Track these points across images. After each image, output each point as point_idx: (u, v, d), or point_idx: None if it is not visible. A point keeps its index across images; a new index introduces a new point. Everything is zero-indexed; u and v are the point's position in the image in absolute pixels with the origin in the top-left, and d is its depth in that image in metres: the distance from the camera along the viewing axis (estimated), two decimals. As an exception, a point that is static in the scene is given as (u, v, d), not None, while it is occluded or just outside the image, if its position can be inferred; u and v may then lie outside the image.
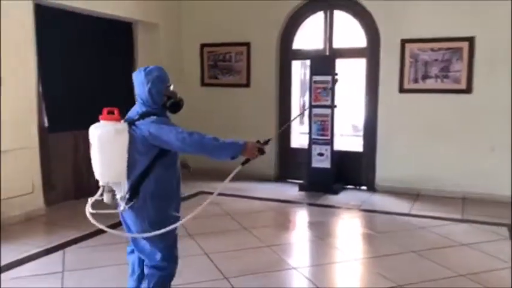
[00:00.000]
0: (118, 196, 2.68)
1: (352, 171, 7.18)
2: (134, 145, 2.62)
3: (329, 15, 7.23)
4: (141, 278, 2.91)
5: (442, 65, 6.49)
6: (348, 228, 5.53)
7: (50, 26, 5.82)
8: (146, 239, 2.72)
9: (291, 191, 6.93)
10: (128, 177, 2.65)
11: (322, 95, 6.74)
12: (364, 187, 7.15)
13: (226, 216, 5.60)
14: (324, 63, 6.90)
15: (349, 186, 7.14)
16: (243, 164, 2.80)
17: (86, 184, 5.80)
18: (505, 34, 6.10)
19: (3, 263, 4.07)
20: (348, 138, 10.37)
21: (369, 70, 7.08)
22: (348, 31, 7.41)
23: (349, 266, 4.27)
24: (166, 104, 2.75)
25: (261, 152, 2.73)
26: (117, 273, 3.78)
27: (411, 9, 6.57)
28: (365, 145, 7.24)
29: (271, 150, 7.44)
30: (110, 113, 2.64)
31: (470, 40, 6.30)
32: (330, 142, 6.79)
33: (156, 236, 2.67)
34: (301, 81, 8.46)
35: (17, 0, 5.16)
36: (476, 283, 3.73)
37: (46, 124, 5.80)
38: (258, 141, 2.76)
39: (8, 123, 5.07)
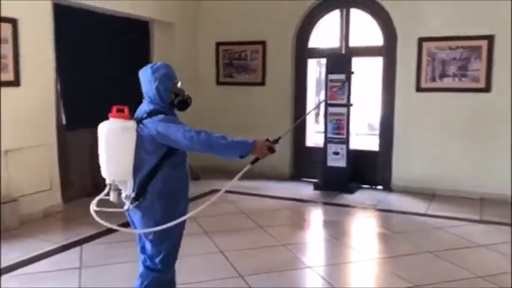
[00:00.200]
0: (123, 195, 2.65)
1: (367, 170, 7.13)
2: (142, 144, 2.59)
3: (345, 13, 7.18)
4: None
5: (460, 64, 6.40)
6: (364, 227, 5.50)
7: (68, 25, 5.89)
8: (149, 239, 2.70)
9: (306, 190, 6.91)
10: (135, 176, 2.62)
11: (338, 94, 6.70)
12: (380, 187, 7.09)
13: (241, 214, 5.61)
14: (340, 62, 6.86)
15: (364, 186, 7.10)
16: (253, 163, 2.73)
17: (103, 181, 5.81)
18: (525, 32, 6.00)
19: (21, 258, 4.14)
20: (364, 137, 10.30)
21: (386, 69, 7.03)
22: (365, 29, 7.36)
23: (364, 266, 4.24)
24: (174, 102, 2.70)
25: (271, 150, 2.64)
26: (133, 269, 3.77)
27: (429, 7, 6.49)
28: (381, 144, 7.19)
29: (286, 149, 7.43)
30: (120, 111, 2.62)
31: (490, 38, 6.20)
32: (346, 141, 6.76)
33: (159, 237, 2.66)
34: (317, 80, 8.42)
35: (37, 0, 5.23)
36: (494, 285, 3.69)
37: (64, 122, 5.88)
38: (268, 140, 2.68)
39: (26, 121, 5.15)
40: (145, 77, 2.69)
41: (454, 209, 5.89)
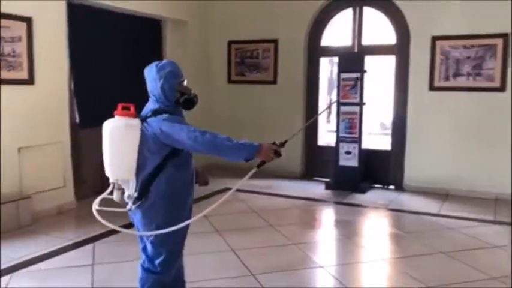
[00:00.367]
0: (125, 194, 2.60)
1: (379, 170, 7.09)
2: (145, 143, 2.54)
3: (358, 11, 7.14)
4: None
5: (475, 63, 6.33)
6: (375, 227, 5.47)
7: (81, 24, 5.93)
8: (150, 241, 2.66)
9: (317, 189, 6.89)
10: (138, 175, 2.56)
11: (351, 93, 6.67)
12: (392, 186, 7.04)
13: (252, 213, 5.61)
14: (352, 60, 6.83)
15: (376, 186, 7.06)
16: (259, 166, 2.64)
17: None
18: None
19: (35, 255, 4.18)
20: (376, 136, 10.24)
21: (399, 67, 6.98)
22: (377, 28, 7.31)
23: (376, 266, 4.22)
24: (179, 101, 2.63)
25: (277, 154, 2.55)
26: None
27: (443, 6, 6.42)
28: (393, 144, 7.14)
29: (297, 148, 7.42)
30: (125, 108, 2.58)
31: (505, 37, 6.12)
32: (358, 140, 6.72)
33: (161, 239, 2.61)
34: (328, 79, 8.39)
35: (51, 0, 5.28)
36: (509, 286, 3.63)
37: (77, 120, 5.93)
38: (274, 143, 2.58)
39: (40, 119, 5.20)
40: (151, 75, 2.64)
41: (468, 210, 5.83)
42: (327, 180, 7.10)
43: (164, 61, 2.69)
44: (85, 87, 6.02)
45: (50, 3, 5.27)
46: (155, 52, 7.23)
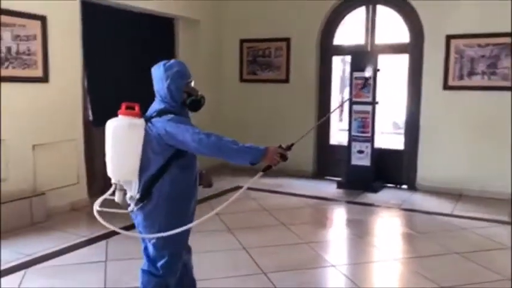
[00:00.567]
0: (128, 195, 2.57)
1: (392, 169, 7.04)
2: (149, 143, 2.50)
3: (371, 10, 7.10)
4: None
5: (490, 62, 6.26)
6: (388, 227, 5.43)
7: (95, 22, 5.98)
8: (152, 243, 2.62)
9: (329, 188, 6.87)
10: (140, 176, 2.52)
11: (363, 91, 6.63)
12: (404, 186, 7.00)
13: (264, 211, 5.61)
14: (365, 59, 6.78)
15: (389, 185, 7.01)
16: (264, 170, 2.59)
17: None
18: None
19: (49, 251, 4.22)
20: (388, 135, 10.17)
21: (412, 66, 6.92)
22: (390, 26, 7.26)
23: (388, 265, 4.19)
24: (186, 102, 2.58)
25: (283, 158, 2.50)
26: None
27: (457, 4, 6.35)
28: (406, 143, 7.09)
29: (309, 146, 7.41)
30: (130, 108, 2.52)
31: (520, 35, 6.05)
32: (371, 139, 6.69)
33: (163, 242, 2.56)
34: (341, 78, 8.35)
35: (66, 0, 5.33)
36: (524, 288, 3.60)
37: (90, 118, 5.98)
38: (281, 146, 2.54)
39: (54, 117, 5.25)
40: (158, 74, 2.59)
41: (482, 210, 5.77)
42: (339, 179, 7.08)
43: (172, 61, 2.64)
44: (98, 85, 6.07)
45: (65, 2, 5.31)
46: (167, 51, 7.25)
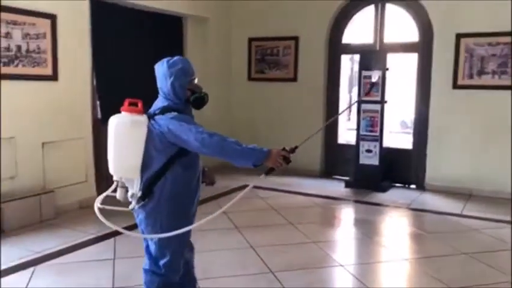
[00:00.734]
0: (129, 193, 2.53)
1: (401, 169, 7.01)
2: (152, 141, 2.47)
3: (380, 8, 7.06)
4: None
5: (500, 61, 6.20)
6: (396, 227, 5.40)
7: (104, 21, 5.98)
8: (154, 242, 2.60)
9: (337, 187, 6.84)
10: (142, 174, 2.49)
11: (372, 90, 6.59)
12: (413, 186, 6.96)
13: (271, 210, 5.60)
14: (374, 58, 6.75)
15: (397, 185, 6.98)
16: (267, 173, 2.55)
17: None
18: None
19: (58, 248, 4.25)
20: (396, 134, 10.13)
21: (421, 65, 6.87)
22: (400, 25, 7.22)
23: (397, 266, 4.17)
24: (189, 99, 2.56)
25: (286, 160, 2.45)
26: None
27: (467, 2, 6.29)
28: (415, 142, 7.05)
29: (317, 146, 7.39)
30: (133, 104, 2.50)
31: (532, 34, 5.99)
32: (379, 138, 6.65)
33: (165, 241, 2.54)
34: (349, 77, 8.32)
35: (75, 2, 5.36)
36: (534, 289, 3.56)
37: (99, 116, 6.00)
38: (284, 149, 2.48)
39: (63, 115, 5.28)
40: (161, 71, 2.56)
41: (492, 210, 5.71)
42: (347, 178, 7.05)
43: (175, 57, 2.60)
44: (107, 84, 6.08)
45: (74, 1, 5.33)
46: (176, 49, 7.25)
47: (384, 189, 6.59)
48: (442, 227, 5.18)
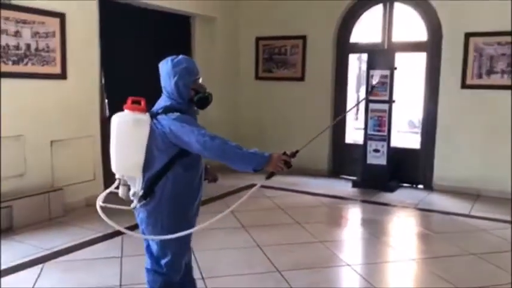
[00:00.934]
0: (131, 192, 2.53)
1: (408, 168, 6.98)
2: (154, 140, 2.46)
3: (389, 7, 7.03)
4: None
5: (510, 60, 6.15)
6: (404, 227, 5.38)
7: (112, 20, 6.01)
8: (155, 241, 2.59)
9: (344, 187, 6.83)
10: (144, 173, 2.48)
11: (380, 90, 6.57)
12: (420, 186, 6.93)
13: (278, 210, 5.60)
14: (382, 57, 6.72)
15: (405, 185, 6.95)
16: (268, 178, 2.55)
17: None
18: None
19: (67, 245, 4.28)
20: (404, 134, 10.09)
21: (429, 65, 6.84)
22: (408, 24, 7.19)
23: (404, 266, 4.15)
24: (193, 99, 2.54)
25: (287, 165, 2.43)
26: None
27: (476, 1, 6.25)
28: (423, 142, 7.02)
29: (325, 145, 7.37)
30: (136, 102, 2.47)
31: (542, 33, 5.94)
32: (387, 138, 6.63)
33: (166, 241, 2.52)
34: (357, 76, 8.30)
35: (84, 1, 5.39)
36: (543, 290, 3.53)
37: (107, 115, 6.03)
38: (285, 153, 2.46)
39: (72, 113, 5.31)
40: (165, 70, 2.54)
41: (500, 211, 5.67)
42: (354, 178, 7.04)
43: (180, 56, 2.57)
44: (115, 82, 6.11)
45: (83, 0, 5.36)
46: (184, 48, 7.27)
47: (391, 189, 6.57)
48: (450, 227, 5.15)
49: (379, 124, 6.65)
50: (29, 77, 4.87)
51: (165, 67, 2.56)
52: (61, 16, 5.11)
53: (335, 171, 7.56)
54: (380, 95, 6.59)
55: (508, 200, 6.06)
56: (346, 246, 4.72)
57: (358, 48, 7.48)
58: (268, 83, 7.94)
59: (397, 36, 7.08)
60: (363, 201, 6.14)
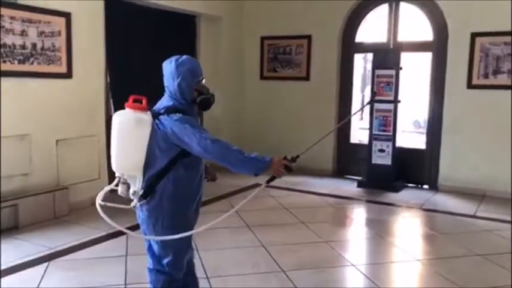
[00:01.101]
0: (131, 190, 2.53)
1: (413, 169, 6.96)
2: (156, 140, 2.45)
3: (394, 7, 7.00)
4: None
5: (516, 60, 6.12)
6: (409, 227, 5.37)
7: (118, 19, 6.02)
8: (156, 241, 2.59)
9: (349, 187, 6.82)
10: (145, 172, 2.48)
11: (385, 90, 6.55)
12: (426, 186, 6.90)
13: (283, 209, 5.60)
14: (387, 57, 6.70)
15: (410, 185, 6.93)
16: (268, 181, 2.55)
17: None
18: None
19: (72, 244, 4.29)
20: (409, 134, 10.05)
21: (435, 65, 6.81)
22: (414, 24, 7.16)
23: (409, 266, 4.14)
24: (196, 100, 2.53)
25: (288, 169, 2.44)
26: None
27: (483, 1, 6.21)
28: (428, 142, 6.99)
29: (330, 145, 7.36)
30: (137, 101, 2.46)
31: (549, 33, 5.90)
32: (392, 138, 6.61)
33: (167, 241, 2.52)
34: (362, 76, 8.28)
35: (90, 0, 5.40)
36: (549, 292, 3.51)
37: (112, 114, 6.04)
38: (286, 158, 2.47)
39: (77, 112, 5.33)
40: (169, 70, 2.53)
41: (506, 212, 5.64)
42: (360, 178, 7.02)
43: (183, 57, 2.56)
44: (120, 82, 6.12)
45: (89, 2, 5.38)
46: (189, 47, 7.29)
47: (396, 189, 6.55)
48: (455, 227, 5.13)
49: (385, 124, 6.63)
50: (35, 76, 4.89)
51: (168, 67, 2.55)
52: (67, 15, 5.12)
53: (340, 171, 7.54)
54: (385, 95, 6.57)
55: (514, 201, 6.04)
56: (351, 246, 4.71)
57: (363, 48, 7.46)
58: (273, 82, 7.93)
59: (403, 36, 7.05)
60: (368, 201, 6.13)
